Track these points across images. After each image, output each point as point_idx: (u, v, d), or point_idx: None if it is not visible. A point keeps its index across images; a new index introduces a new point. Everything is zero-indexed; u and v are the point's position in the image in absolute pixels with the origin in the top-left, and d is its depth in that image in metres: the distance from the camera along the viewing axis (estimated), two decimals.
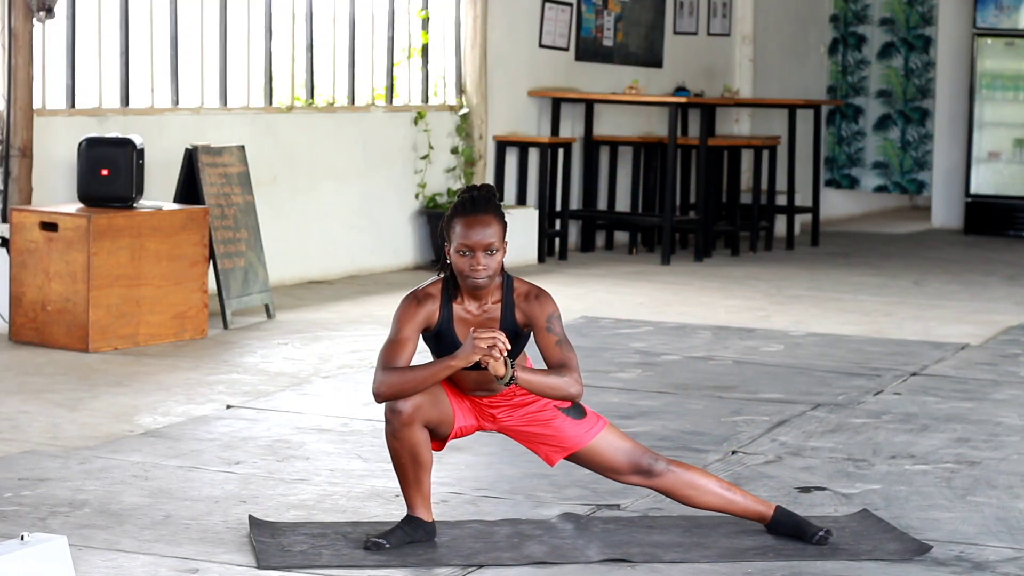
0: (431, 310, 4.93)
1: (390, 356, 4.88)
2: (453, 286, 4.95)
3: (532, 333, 4.97)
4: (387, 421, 4.95)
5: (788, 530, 5.13)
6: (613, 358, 8.41)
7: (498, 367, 4.76)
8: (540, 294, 4.97)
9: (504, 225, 4.92)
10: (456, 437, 5.10)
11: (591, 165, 13.56)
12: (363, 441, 6.49)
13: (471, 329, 4.83)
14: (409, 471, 4.99)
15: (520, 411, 5.07)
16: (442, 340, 4.95)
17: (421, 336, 4.96)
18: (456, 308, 4.95)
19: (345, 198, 11.49)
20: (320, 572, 4.77)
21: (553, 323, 4.93)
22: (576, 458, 5.11)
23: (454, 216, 4.89)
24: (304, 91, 11.27)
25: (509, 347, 4.77)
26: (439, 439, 5.08)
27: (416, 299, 4.94)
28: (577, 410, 5.07)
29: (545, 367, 4.93)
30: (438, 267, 5.01)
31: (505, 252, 4.92)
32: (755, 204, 13.71)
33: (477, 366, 4.85)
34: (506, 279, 4.97)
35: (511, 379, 4.79)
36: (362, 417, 6.92)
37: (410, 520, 5.03)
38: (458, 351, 4.81)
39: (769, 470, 6.09)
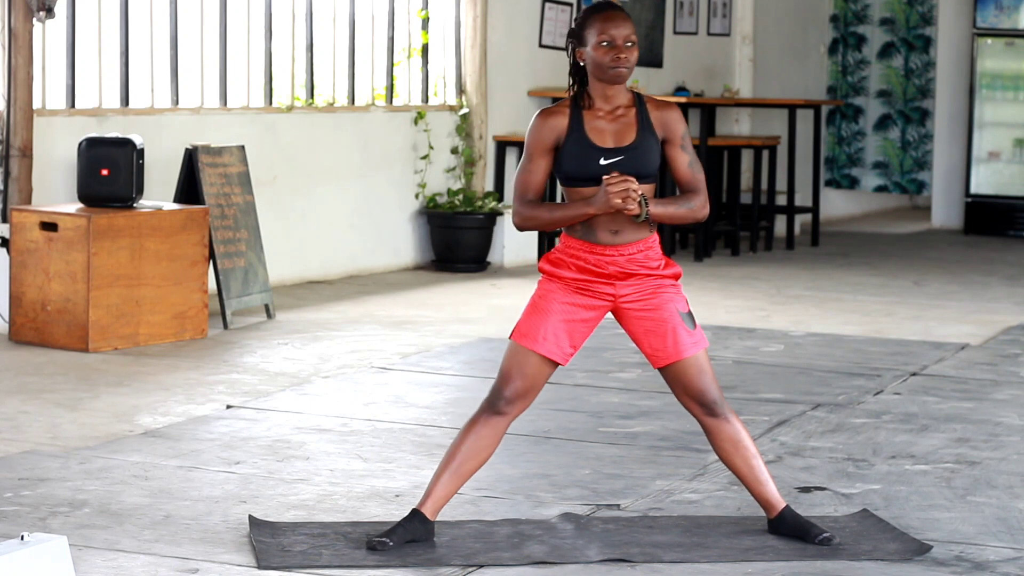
0: (559, 121, 5.02)
1: (524, 184, 5.05)
2: (581, 96, 5.04)
3: (664, 147, 5.05)
4: (483, 407, 5.01)
5: (791, 530, 5.13)
6: (613, 358, 8.41)
7: (632, 209, 4.89)
8: (672, 105, 5.11)
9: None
10: (580, 347, 5.15)
11: None
12: (363, 441, 6.49)
13: (603, 181, 4.89)
14: (455, 460, 5.01)
15: (642, 302, 5.07)
16: (577, 143, 5.00)
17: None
18: (587, 115, 5.03)
19: (345, 198, 11.49)
20: (320, 572, 4.77)
21: (686, 141, 5.08)
22: (666, 367, 5.10)
23: (587, 17, 5.02)
24: (304, 91, 11.28)
25: (640, 192, 4.88)
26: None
27: (543, 114, 5.05)
28: (690, 319, 5.09)
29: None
30: (568, 87, 5.09)
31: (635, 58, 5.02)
32: (755, 204, 13.71)
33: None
34: (635, 94, 5.09)
35: (645, 216, 4.92)
36: (362, 417, 6.92)
37: (414, 516, 5.01)
38: (593, 199, 4.92)
39: (769, 470, 6.08)
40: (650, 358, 5.13)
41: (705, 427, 5.16)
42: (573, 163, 4.99)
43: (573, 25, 5.09)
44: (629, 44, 4.97)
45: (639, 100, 5.06)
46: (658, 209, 4.96)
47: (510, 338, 5.07)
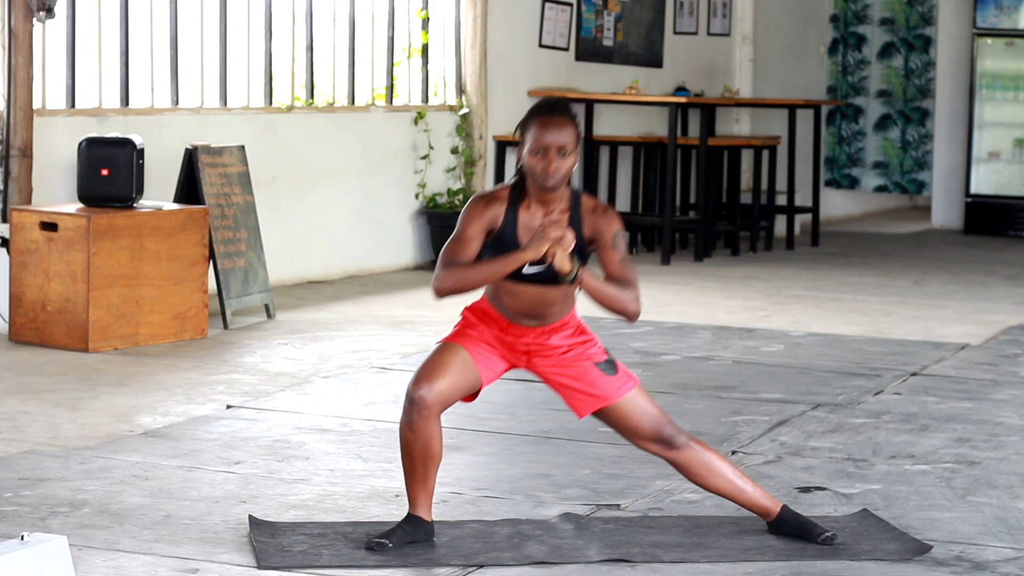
0: (497, 212, 4.92)
1: (454, 252, 4.89)
2: (521, 190, 4.95)
3: (596, 250, 4.96)
4: (405, 411, 4.93)
5: (792, 530, 5.13)
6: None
7: (564, 261, 4.75)
8: (607, 209, 4.98)
9: (578, 133, 4.92)
10: (489, 384, 5.05)
11: (591, 165, 13.56)
12: (363, 441, 6.49)
13: (539, 227, 4.81)
14: (419, 464, 4.97)
15: (555, 356, 5.02)
16: (503, 243, 4.91)
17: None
18: (522, 213, 4.94)
19: (345, 198, 11.49)
20: (320, 572, 4.77)
21: (619, 241, 4.94)
22: (603, 414, 5.05)
23: (530, 118, 4.91)
24: (304, 91, 11.27)
25: (574, 243, 4.76)
26: (472, 395, 5.05)
27: (484, 200, 4.94)
28: (610, 366, 5.03)
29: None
30: (514, 175, 4.99)
31: (576, 160, 4.90)
32: (755, 204, 13.71)
33: (537, 278, 4.84)
34: (574, 192, 4.97)
35: (575, 277, 4.78)
36: (362, 417, 6.92)
37: (411, 519, 5.02)
38: (528, 243, 4.80)
39: (769, 470, 6.09)
40: (578, 409, 5.04)
41: (672, 462, 5.09)
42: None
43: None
44: (563, 154, 4.84)
45: (576, 201, 4.94)
46: (590, 276, 4.81)
47: (437, 343, 5.02)
